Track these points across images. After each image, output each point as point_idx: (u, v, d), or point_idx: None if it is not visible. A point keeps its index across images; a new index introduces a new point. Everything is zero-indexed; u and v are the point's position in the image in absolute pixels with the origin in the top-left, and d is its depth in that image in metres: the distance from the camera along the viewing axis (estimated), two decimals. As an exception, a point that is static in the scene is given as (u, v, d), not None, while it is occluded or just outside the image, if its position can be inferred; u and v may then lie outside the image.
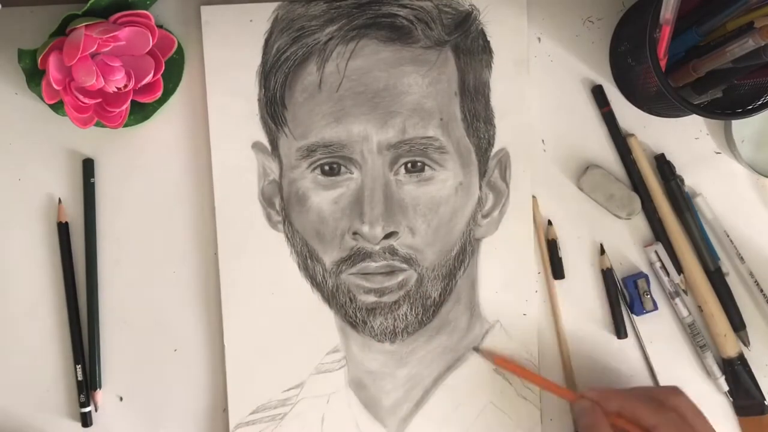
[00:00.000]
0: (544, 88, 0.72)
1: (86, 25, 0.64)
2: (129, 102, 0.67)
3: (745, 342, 0.73)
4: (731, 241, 0.73)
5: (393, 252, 0.69)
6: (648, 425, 0.63)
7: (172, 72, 0.70)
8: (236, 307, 0.71)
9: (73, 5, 0.69)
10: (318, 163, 0.70)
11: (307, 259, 0.71)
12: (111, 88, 0.66)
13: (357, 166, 0.69)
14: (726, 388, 0.73)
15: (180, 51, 0.70)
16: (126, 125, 0.69)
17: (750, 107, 0.65)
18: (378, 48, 0.69)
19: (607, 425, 0.63)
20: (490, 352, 0.71)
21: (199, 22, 0.71)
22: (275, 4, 0.70)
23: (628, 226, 0.73)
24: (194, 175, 0.72)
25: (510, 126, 0.72)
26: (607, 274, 0.72)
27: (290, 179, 0.71)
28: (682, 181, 0.73)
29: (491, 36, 0.71)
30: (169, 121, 0.72)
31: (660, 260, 0.72)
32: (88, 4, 0.65)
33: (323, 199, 0.70)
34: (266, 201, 0.72)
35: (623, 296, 0.72)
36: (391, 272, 0.70)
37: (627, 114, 0.73)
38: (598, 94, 0.72)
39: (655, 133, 0.73)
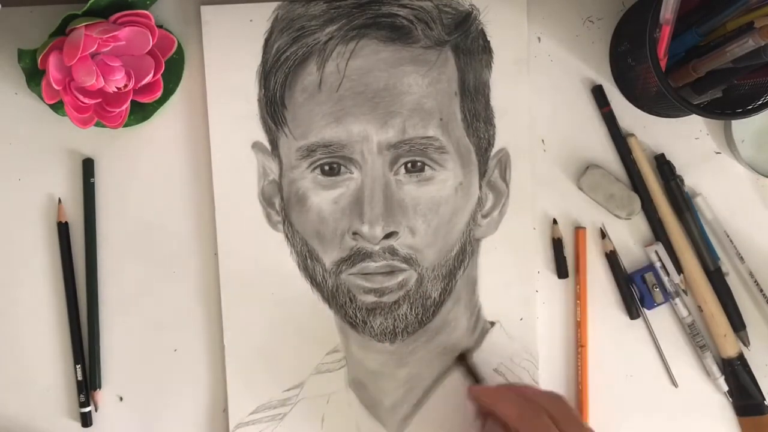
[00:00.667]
0: (544, 88, 0.72)
1: (86, 25, 0.64)
2: (129, 102, 0.67)
3: (745, 342, 0.73)
4: (731, 241, 0.73)
5: (393, 252, 0.69)
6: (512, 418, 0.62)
7: (172, 72, 0.70)
8: (236, 307, 0.71)
9: (73, 5, 0.69)
10: (318, 163, 0.70)
11: (306, 259, 0.71)
12: (111, 88, 0.66)
13: (357, 166, 0.69)
14: (726, 388, 0.73)
15: (180, 51, 0.70)
16: (126, 125, 0.69)
17: (750, 107, 0.65)
18: (378, 48, 0.69)
19: None
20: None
21: (199, 22, 0.71)
22: (275, 4, 0.70)
23: (628, 226, 0.73)
24: (194, 175, 0.72)
25: (510, 126, 0.72)
26: (610, 257, 0.72)
27: (290, 179, 0.71)
28: (682, 181, 0.73)
29: (491, 36, 0.71)
30: (169, 121, 0.72)
31: (660, 260, 0.72)
32: (88, 4, 0.65)
33: (323, 199, 0.70)
34: (266, 201, 0.72)
35: (630, 280, 0.72)
36: (391, 272, 0.70)
37: (627, 114, 0.73)
38: (598, 94, 0.72)
39: (655, 133, 0.73)
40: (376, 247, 0.69)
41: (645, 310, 0.72)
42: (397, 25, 0.69)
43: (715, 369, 0.72)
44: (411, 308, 0.70)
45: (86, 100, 0.66)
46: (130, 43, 0.66)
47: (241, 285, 0.71)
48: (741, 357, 0.72)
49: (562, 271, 0.72)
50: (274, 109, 0.71)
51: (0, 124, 0.71)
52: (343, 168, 0.69)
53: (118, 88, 0.66)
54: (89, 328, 0.71)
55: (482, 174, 0.71)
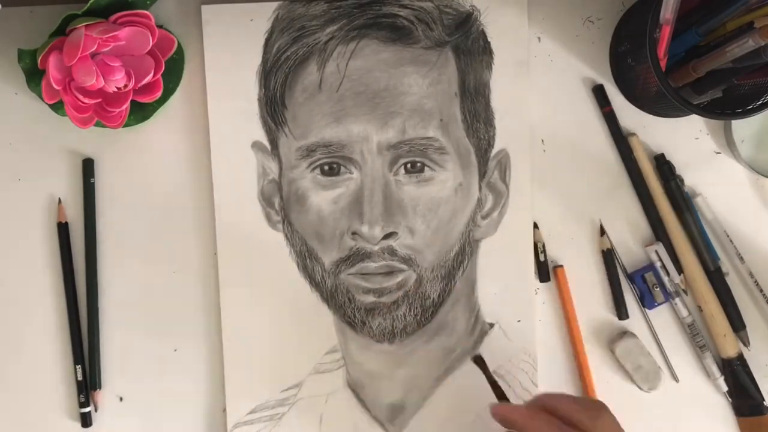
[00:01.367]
0: (545, 89, 0.72)
1: (86, 25, 0.64)
2: (129, 102, 0.67)
3: (745, 342, 0.73)
4: (731, 241, 0.73)
5: (392, 252, 0.69)
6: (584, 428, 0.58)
7: (172, 72, 0.70)
8: (235, 307, 0.71)
9: (73, 5, 0.69)
10: (318, 163, 0.70)
11: (306, 259, 0.71)
12: (111, 88, 0.66)
13: (357, 166, 0.69)
14: (725, 388, 0.73)
15: (180, 51, 0.70)
16: (126, 125, 0.69)
17: (750, 107, 0.65)
18: (378, 48, 0.69)
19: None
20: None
21: (199, 22, 0.71)
22: (276, 4, 0.70)
23: (629, 227, 0.73)
24: (194, 174, 0.72)
25: (510, 127, 0.71)
26: (607, 255, 0.72)
27: (290, 179, 0.71)
28: (682, 181, 0.73)
29: (492, 37, 0.71)
30: (169, 121, 0.72)
31: (660, 260, 0.72)
32: (88, 4, 0.65)
33: (323, 199, 0.70)
34: (266, 201, 0.72)
35: (628, 276, 0.72)
36: (390, 273, 0.70)
37: (627, 114, 0.72)
38: (599, 93, 0.72)
39: (655, 133, 0.73)
40: (376, 248, 0.69)
41: (645, 309, 0.72)
42: (398, 25, 0.69)
43: (714, 369, 0.72)
44: (410, 309, 0.70)
45: (86, 100, 0.66)
46: (130, 43, 0.66)
47: (241, 285, 0.71)
48: (741, 357, 0.72)
49: (542, 275, 0.72)
50: (274, 108, 0.71)
51: (0, 124, 0.71)
52: (342, 168, 0.69)
53: (118, 88, 0.66)
54: (89, 328, 0.71)
55: (482, 175, 0.71)
